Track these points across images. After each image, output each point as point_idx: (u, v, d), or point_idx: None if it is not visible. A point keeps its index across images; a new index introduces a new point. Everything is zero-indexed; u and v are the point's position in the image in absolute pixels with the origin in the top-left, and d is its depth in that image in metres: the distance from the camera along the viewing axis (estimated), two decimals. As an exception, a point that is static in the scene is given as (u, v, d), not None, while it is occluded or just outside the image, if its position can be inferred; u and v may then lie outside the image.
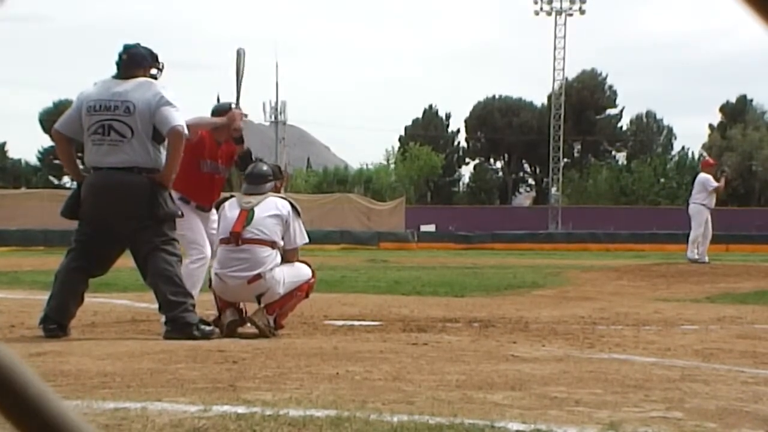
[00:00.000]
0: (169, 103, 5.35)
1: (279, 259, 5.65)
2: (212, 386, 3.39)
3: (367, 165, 64.63)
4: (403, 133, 69.58)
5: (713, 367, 4.25)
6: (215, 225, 6.03)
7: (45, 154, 60.01)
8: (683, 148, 67.33)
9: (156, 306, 5.50)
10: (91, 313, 6.25)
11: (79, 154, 5.64)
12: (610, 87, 67.52)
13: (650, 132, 68.95)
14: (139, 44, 5.62)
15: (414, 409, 2.94)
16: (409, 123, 70.38)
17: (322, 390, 3.32)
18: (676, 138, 69.61)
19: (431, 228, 39.15)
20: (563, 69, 51.63)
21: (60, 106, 45.53)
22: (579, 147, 66.66)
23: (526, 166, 70.13)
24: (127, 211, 5.35)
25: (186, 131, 5.43)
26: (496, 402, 3.14)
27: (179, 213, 5.57)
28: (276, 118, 53.79)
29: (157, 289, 5.36)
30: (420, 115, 70.24)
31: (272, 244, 5.62)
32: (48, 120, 46.87)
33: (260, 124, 58.60)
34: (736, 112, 64.40)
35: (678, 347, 5.09)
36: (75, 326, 5.49)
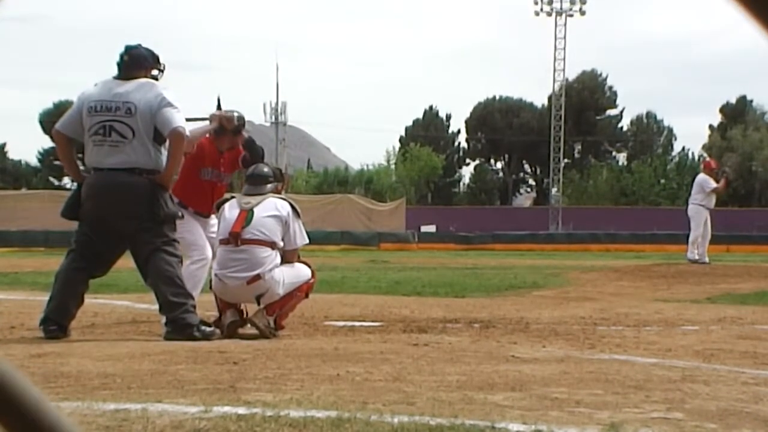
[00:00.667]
0: (170, 105, 5.35)
1: (278, 259, 5.65)
2: (213, 387, 3.39)
3: (367, 166, 64.85)
4: (403, 134, 69.70)
5: (714, 368, 4.24)
6: (214, 229, 6.03)
7: (45, 155, 60.00)
8: (683, 148, 67.54)
9: (156, 307, 5.50)
10: (91, 315, 6.25)
11: (80, 155, 5.64)
12: (611, 87, 67.58)
13: (650, 132, 68.94)
14: (140, 45, 5.62)
15: (415, 410, 2.94)
16: (410, 124, 70.50)
17: (323, 391, 3.31)
18: (676, 138, 69.75)
19: (432, 228, 39.19)
20: (563, 69, 51.78)
21: (60, 107, 45.52)
22: (579, 147, 66.63)
23: (527, 167, 70.11)
24: (127, 211, 5.35)
25: (187, 132, 5.43)
26: (496, 403, 3.13)
27: (180, 214, 5.57)
28: (276, 118, 53.84)
29: (158, 290, 5.36)
30: (420, 116, 70.30)
31: (272, 245, 5.61)
32: (48, 121, 46.86)
33: (261, 125, 58.56)
34: (737, 112, 64.42)
35: (678, 348, 5.09)
36: (75, 327, 5.49)
